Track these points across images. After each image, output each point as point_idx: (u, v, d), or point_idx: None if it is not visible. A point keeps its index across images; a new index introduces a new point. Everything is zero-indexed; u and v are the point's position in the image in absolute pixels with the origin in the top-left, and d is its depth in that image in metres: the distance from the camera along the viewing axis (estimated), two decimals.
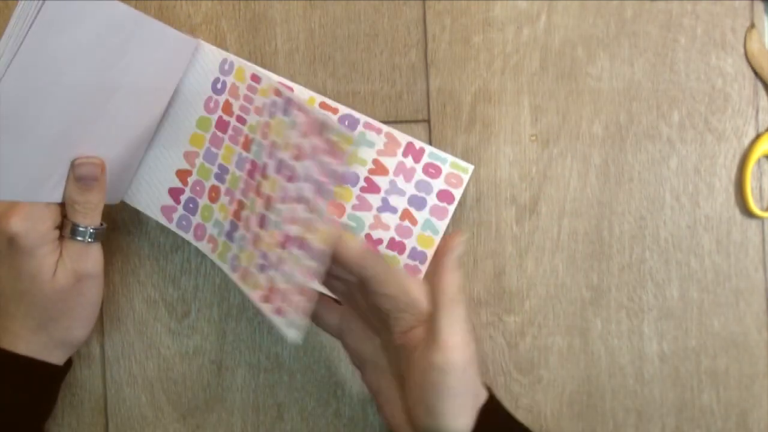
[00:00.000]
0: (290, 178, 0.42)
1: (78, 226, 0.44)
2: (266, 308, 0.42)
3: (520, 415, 0.52)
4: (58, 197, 0.44)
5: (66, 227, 0.45)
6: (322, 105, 0.50)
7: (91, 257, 0.45)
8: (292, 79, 0.52)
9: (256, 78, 0.47)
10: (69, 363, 0.49)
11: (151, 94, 0.48)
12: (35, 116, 0.40)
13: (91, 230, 0.45)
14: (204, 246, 0.48)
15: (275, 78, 0.49)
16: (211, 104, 0.49)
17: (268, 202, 0.44)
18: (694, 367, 0.52)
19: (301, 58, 0.52)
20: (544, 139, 0.52)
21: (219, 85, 0.49)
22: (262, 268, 0.43)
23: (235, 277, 0.45)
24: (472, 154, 0.52)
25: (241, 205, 0.46)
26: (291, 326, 0.41)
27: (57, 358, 0.47)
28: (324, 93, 0.52)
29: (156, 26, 0.45)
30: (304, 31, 0.53)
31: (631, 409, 0.52)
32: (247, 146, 0.47)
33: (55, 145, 0.42)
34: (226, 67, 0.49)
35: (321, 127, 0.40)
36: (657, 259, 0.52)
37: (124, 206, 0.50)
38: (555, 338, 0.52)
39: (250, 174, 0.46)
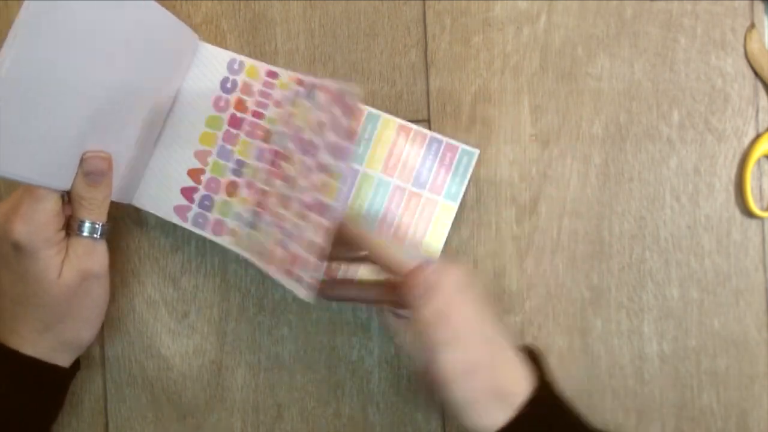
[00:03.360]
0: (313, 153, 0.45)
1: (84, 221, 0.44)
2: (286, 281, 0.44)
3: None
4: (67, 185, 0.44)
5: (72, 225, 0.45)
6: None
7: (97, 256, 0.45)
8: None
9: (272, 74, 0.49)
10: (77, 366, 0.49)
11: (157, 87, 0.48)
12: (53, 100, 0.40)
13: (97, 226, 0.45)
14: (224, 239, 0.49)
15: (291, 73, 0.50)
16: (221, 103, 0.50)
17: (293, 183, 0.45)
18: (694, 367, 0.52)
19: (301, 58, 0.52)
20: (544, 139, 0.52)
21: (229, 84, 0.50)
22: (284, 244, 0.45)
23: (261, 261, 0.46)
24: None
25: (264, 194, 0.47)
26: (305, 287, 0.43)
27: (64, 360, 0.47)
28: None
29: (163, 14, 0.46)
30: (304, 31, 0.53)
31: (631, 409, 0.52)
32: (267, 138, 0.48)
33: (69, 133, 0.42)
34: (236, 66, 0.50)
35: (342, 94, 0.44)
36: (657, 259, 0.52)
37: (124, 206, 0.50)
38: (555, 338, 0.52)
39: (273, 163, 0.47)
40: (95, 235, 0.45)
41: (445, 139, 0.50)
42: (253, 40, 0.52)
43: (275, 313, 0.52)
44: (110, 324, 0.52)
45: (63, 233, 0.44)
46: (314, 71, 0.52)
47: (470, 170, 0.50)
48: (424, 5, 0.52)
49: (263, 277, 0.51)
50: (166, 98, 0.49)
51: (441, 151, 0.50)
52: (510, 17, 0.52)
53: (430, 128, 0.52)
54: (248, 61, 0.50)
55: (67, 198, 0.45)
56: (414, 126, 0.50)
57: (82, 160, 0.43)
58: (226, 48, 0.52)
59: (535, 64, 0.52)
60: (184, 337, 0.52)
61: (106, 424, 0.52)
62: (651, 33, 0.52)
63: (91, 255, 0.45)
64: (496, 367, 0.42)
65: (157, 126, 0.49)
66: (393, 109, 0.52)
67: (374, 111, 0.50)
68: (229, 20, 0.52)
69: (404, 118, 0.52)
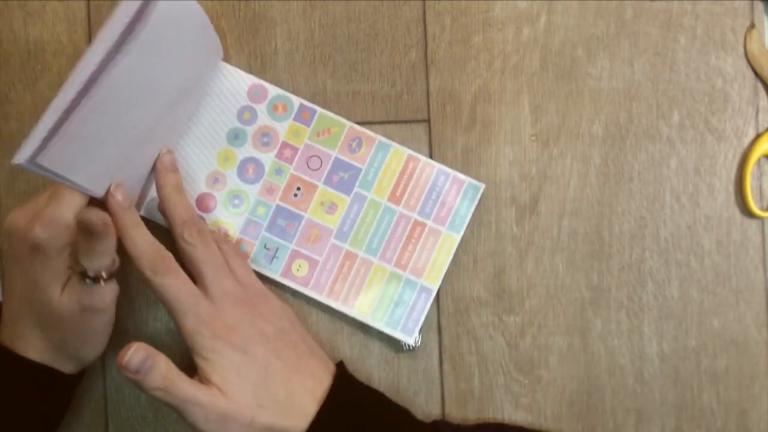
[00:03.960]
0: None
1: (86, 271, 0.42)
2: None
3: (520, 416, 0.52)
4: (101, 193, 0.43)
5: (73, 267, 0.43)
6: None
7: (98, 294, 0.44)
8: (292, 79, 0.52)
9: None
10: (81, 373, 0.49)
11: (187, 101, 0.49)
12: (129, 113, 0.41)
13: (104, 274, 0.43)
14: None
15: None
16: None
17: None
18: (694, 367, 0.52)
19: (301, 58, 0.52)
20: (544, 139, 0.52)
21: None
22: None
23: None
24: (472, 154, 0.52)
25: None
26: None
27: (68, 368, 0.47)
28: (324, 93, 0.52)
29: (208, 26, 0.47)
30: (304, 31, 0.53)
31: (631, 409, 0.52)
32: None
33: (122, 147, 0.42)
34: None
35: None
36: (657, 259, 0.52)
37: None
38: (555, 338, 0.52)
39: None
40: (101, 283, 0.43)
41: (452, 173, 0.51)
42: (253, 40, 0.52)
43: None
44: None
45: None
46: (314, 71, 0.52)
47: (475, 203, 0.51)
48: (424, 5, 0.52)
49: (263, 277, 0.51)
50: (186, 113, 0.50)
51: (448, 183, 0.51)
52: (510, 17, 0.52)
53: (430, 128, 0.52)
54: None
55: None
56: (422, 158, 0.51)
57: (75, 217, 0.42)
58: (226, 49, 0.52)
59: (535, 64, 0.52)
60: None
61: (106, 425, 0.52)
62: (651, 33, 0.52)
63: (90, 294, 0.43)
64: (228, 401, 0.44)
65: (175, 138, 0.50)
66: (393, 109, 0.52)
67: (385, 141, 0.51)
68: (229, 20, 0.52)
69: (404, 118, 0.52)
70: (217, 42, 0.50)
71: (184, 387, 0.42)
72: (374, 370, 0.52)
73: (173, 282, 0.44)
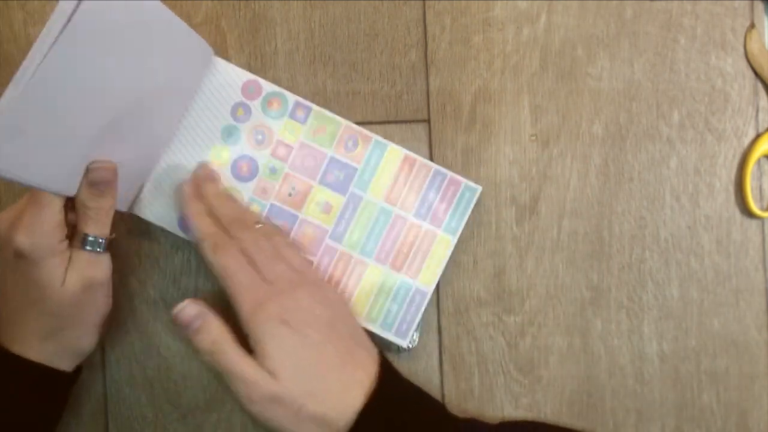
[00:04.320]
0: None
1: (88, 236, 0.45)
2: None
3: (520, 415, 0.52)
4: (72, 191, 0.44)
5: (77, 237, 0.45)
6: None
7: (100, 266, 0.46)
8: (292, 79, 0.52)
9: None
10: (79, 370, 0.49)
11: (170, 101, 0.48)
12: (72, 107, 0.40)
13: (101, 240, 0.45)
14: None
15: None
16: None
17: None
18: (694, 367, 0.52)
19: (301, 58, 0.52)
20: (544, 139, 0.52)
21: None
22: None
23: None
24: (472, 154, 0.52)
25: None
26: None
27: (65, 365, 0.47)
28: (324, 93, 0.52)
29: (180, 26, 0.46)
30: (304, 31, 0.53)
31: (631, 409, 0.52)
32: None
33: (80, 140, 0.42)
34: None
35: None
36: (657, 259, 0.52)
37: None
38: (555, 338, 0.52)
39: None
40: (98, 249, 0.45)
41: (449, 174, 0.51)
42: (253, 40, 0.52)
43: None
44: (110, 324, 0.52)
45: (66, 243, 0.44)
46: (314, 71, 0.52)
47: (471, 206, 0.51)
48: (424, 5, 0.53)
49: None
50: (176, 109, 0.49)
51: (444, 184, 0.51)
52: (510, 17, 0.52)
53: (430, 128, 0.52)
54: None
55: (72, 206, 0.45)
56: (420, 158, 0.51)
57: (87, 170, 0.43)
58: (226, 49, 0.52)
59: (535, 64, 0.52)
60: None
61: (106, 424, 0.52)
62: (651, 33, 0.52)
63: (94, 265, 0.45)
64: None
65: (166, 135, 0.50)
66: (393, 109, 0.52)
67: (381, 140, 0.51)
68: (229, 20, 0.52)
69: (404, 118, 0.52)
70: (199, 40, 0.49)
71: (234, 359, 0.43)
72: None
73: (232, 263, 0.45)
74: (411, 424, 0.45)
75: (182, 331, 0.44)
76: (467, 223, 0.51)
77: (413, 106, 0.52)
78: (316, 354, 0.44)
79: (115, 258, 0.52)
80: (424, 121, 0.52)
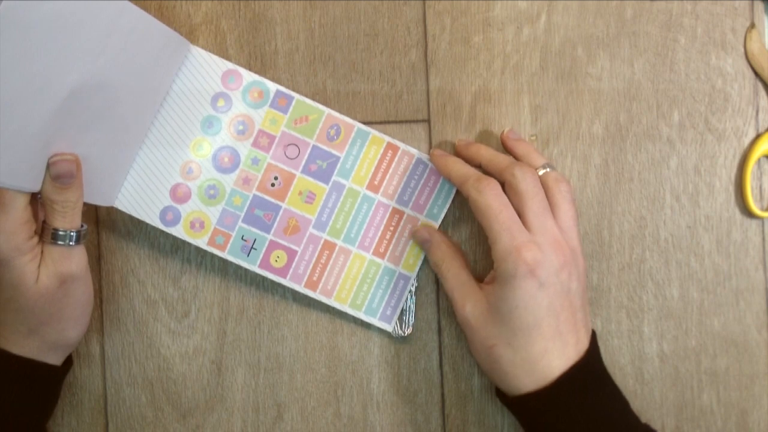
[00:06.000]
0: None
1: (58, 230, 0.43)
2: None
3: None
4: (36, 187, 0.43)
5: (46, 233, 0.44)
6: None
7: (74, 259, 0.44)
8: (292, 79, 0.52)
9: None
10: (69, 362, 0.49)
11: (141, 93, 0.48)
12: (21, 99, 0.40)
13: (72, 233, 0.44)
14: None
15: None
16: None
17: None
18: (694, 367, 0.52)
19: (301, 58, 0.52)
20: (544, 139, 0.52)
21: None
22: None
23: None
24: None
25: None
26: None
27: (53, 359, 0.47)
28: (324, 93, 0.52)
29: (146, 19, 0.45)
30: (304, 31, 0.53)
31: None
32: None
33: (37, 133, 0.42)
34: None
35: None
36: (657, 259, 0.52)
37: None
38: None
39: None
40: (70, 243, 0.44)
41: (431, 162, 0.51)
42: (253, 40, 0.52)
43: (275, 313, 0.52)
44: (110, 324, 0.52)
45: (35, 239, 0.44)
46: (314, 71, 0.52)
47: (453, 193, 0.51)
48: (424, 5, 0.53)
49: (264, 278, 0.51)
50: (150, 100, 0.49)
51: (426, 172, 0.51)
52: (510, 17, 0.52)
53: (430, 128, 0.52)
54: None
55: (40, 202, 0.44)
56: (402, 145, 0.51)
57: (48, 164, 0.43)
58: (226, 49, 0.52)
59: (535, 64, 0.52)
60: (184, 337, 0.52)
61: (106, 424, 0.52)
62: (651, 33, 0.52)
63: (67, 259, 0.44)
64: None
65: (142, 130, 0.49)
66: (393, 109, 0.52)
67: (364, 128, 0.51)
68: (229, 20, 0.52)
69: (404, 118, 0.52)
70: (170, 33, 0.48)
71: (457, 274, 0.48)
72: (374, 370, 0.52)
73: (497, 204, 0.45)
74: (606, 401, 0.46)
75: (421, 244, 0.50)
76: (467, 222, 0.51)
77: (413, 106, 0.52)
78: (540, 316, 0.44)
79: (115, 258, 0.52)
80: (424, 121, 0.52)
